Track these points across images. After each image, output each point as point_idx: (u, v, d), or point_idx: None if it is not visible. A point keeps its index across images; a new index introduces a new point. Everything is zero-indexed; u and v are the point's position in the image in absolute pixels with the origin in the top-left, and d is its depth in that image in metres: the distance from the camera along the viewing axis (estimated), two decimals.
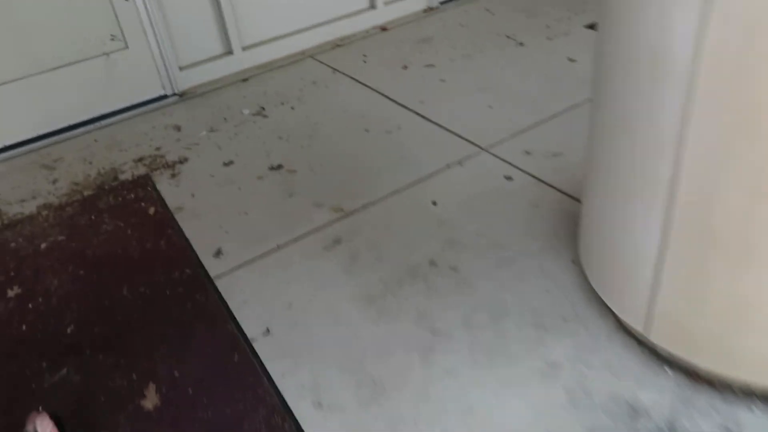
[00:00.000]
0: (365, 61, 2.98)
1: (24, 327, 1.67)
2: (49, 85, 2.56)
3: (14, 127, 2.56)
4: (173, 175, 2.27)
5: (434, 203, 1.96)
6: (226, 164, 2.30)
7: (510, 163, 2.10)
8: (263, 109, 2.65)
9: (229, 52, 2.98)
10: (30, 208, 2.17)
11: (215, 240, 1.91)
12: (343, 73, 2.88)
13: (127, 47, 2.66)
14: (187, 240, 1.93)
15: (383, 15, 3.34)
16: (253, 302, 1.67)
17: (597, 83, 1.29)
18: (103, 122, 2.69)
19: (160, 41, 2.72)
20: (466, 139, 2.26)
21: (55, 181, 2.31)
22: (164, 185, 2.21)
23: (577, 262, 1.64)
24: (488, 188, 2.00)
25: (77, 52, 2.57)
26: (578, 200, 1.86)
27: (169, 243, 1.92)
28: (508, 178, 2.03)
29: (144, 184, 2.22)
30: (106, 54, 2.63)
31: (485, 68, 2.76)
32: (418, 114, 2.47)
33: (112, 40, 2.63)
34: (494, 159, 2.14)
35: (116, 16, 2.60)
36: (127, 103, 2.74)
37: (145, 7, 2.63)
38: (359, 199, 2.02)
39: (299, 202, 2.05)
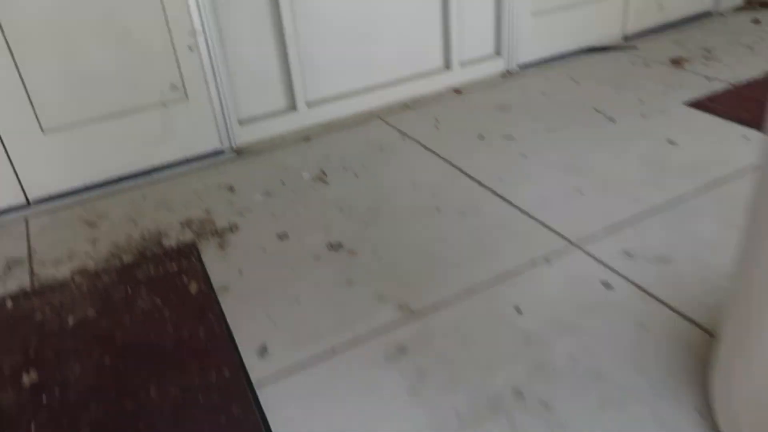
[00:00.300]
0: (437, 127, 2.74)
1: (33, 427, 1.43)
2: (101, 135, 2.41)
3: (62, 176, 2.41)
4: (221, 245, 2.04)
5: (518, 310, 1.66)
6: (280, 237, 2.06)
7: (607, 266, 1.79)
8: (324, 174, 2.43)
9: (293, 108, 2.80)
10: (64, 271, 1.97)
11: (261, 333, 1.66)
12: (413, 139, 2.65)
13: (186, 98, 2.51)
14: (228, 329, 1.68)
15: (458, 77, 3.12)
16: (299, 423, 1.39)
17: (763, 210, 0.99)
18: (154, 176, 2.52)
19: (221, 93, 2.56)
20: (553, 230, 1.96)
21: (95, 242, 2.12)
22: (210, 256, 1.99)
23: (705, 415, 1.31)
24: (582, 296, 1.69)
25: (134, 101, 2.43)
26: (699, 325, 1.53)
27: (209, 332, 1.67)
28: (606, 286, 1.72)
29: (188, 254, 2.00)
30: (164, 104, 2.48)
31: (572, 145, 2.47)
32: (496, 194, 2.20)
33: (172, 90, 2.48)
34: (588, 258, 1.83)
35: (178, 66, 2.45)
36: (181, 157, 2.57)
37: (210, 57, 2.48)
38: (429, 295, 1.74)
39: (359, 292, 1.78)
